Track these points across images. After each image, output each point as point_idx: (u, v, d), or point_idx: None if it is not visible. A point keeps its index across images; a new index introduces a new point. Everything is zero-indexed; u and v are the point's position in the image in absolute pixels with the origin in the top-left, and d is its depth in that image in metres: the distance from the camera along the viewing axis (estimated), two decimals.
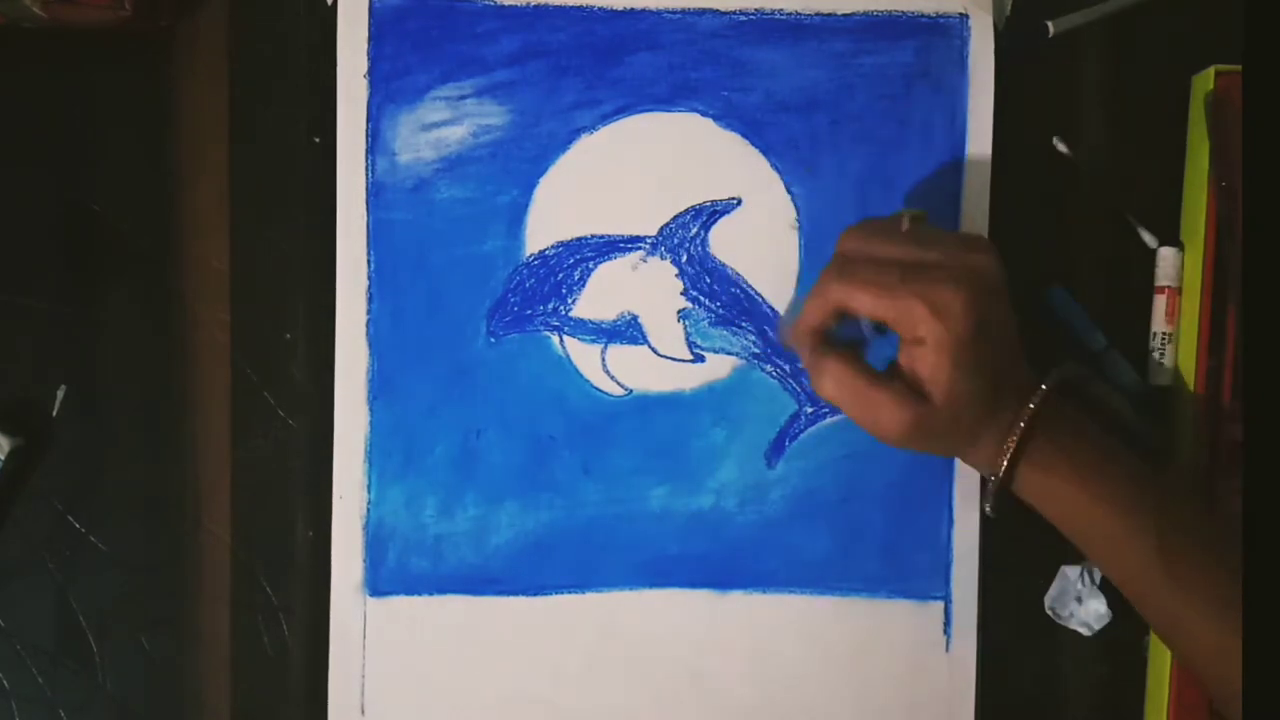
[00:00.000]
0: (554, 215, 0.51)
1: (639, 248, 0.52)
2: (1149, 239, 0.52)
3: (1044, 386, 0.44)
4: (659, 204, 0.51)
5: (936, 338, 0.42)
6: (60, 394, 0.52)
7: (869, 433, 0.44)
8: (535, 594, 0.52)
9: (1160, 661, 0.51)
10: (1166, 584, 0.43)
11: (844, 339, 0.47)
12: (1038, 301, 0.52)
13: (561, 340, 0.52)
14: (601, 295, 0.52)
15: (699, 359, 0.52)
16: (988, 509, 0.47)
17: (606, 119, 0.51)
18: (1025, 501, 0.46)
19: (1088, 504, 0.44)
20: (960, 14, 0.51)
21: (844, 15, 0.51)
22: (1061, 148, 0.52)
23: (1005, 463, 0.44)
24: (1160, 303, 0.52)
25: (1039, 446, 0.44)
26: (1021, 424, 0.43)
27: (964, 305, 0.42)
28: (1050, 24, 0.52)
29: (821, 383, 0.45)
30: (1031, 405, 0.43)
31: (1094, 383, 0.50)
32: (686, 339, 0.52)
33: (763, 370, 0.52)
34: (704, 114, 0.52)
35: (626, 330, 0.52)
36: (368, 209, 0.51)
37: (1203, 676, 0.45)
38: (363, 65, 0.51)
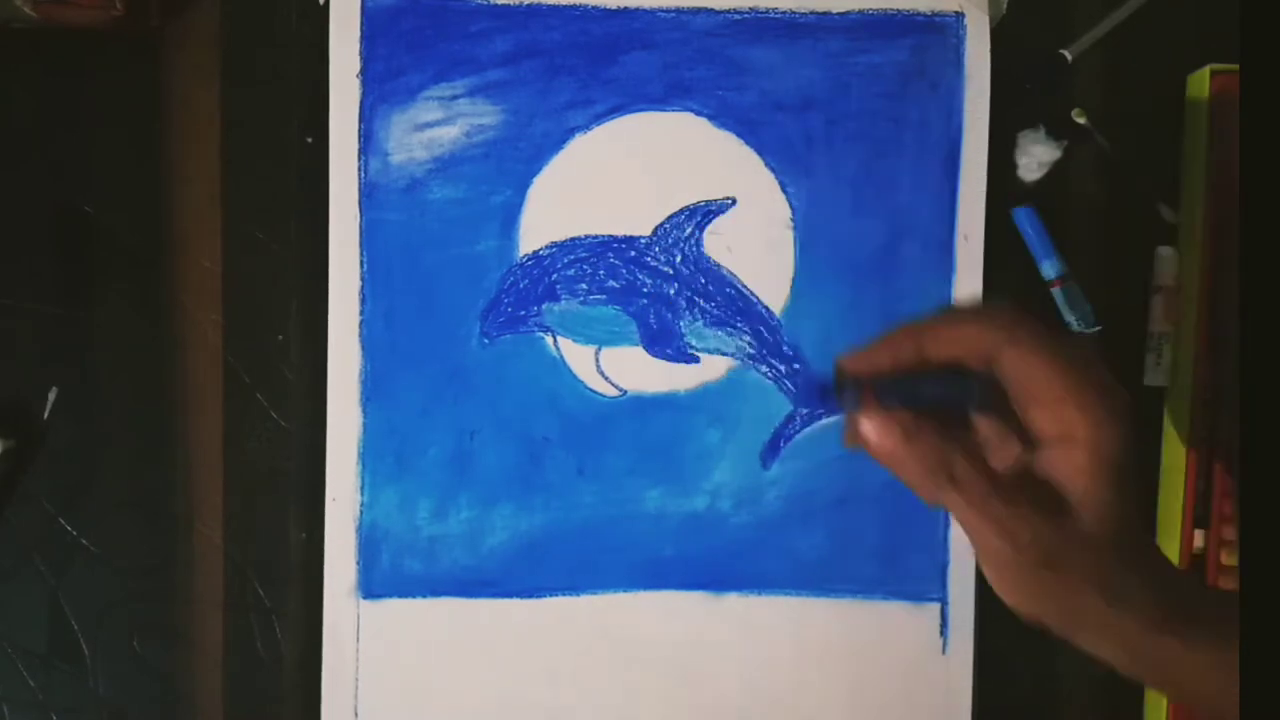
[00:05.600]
0: (548, 215, 0.51)
1: (633, 248, 0.51)
2: (1167, 214, 0.52)
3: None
4: (653, 204, 0.51)
5: (1094, 440, 0.33)
6: (52, 396, 0.51)
7: (986, 568, 0.34)
8: (530, 596, 0.52)
9: None
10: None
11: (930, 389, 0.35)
12: (1005, 222, 0.52)
13: (555, 341, 0.51)
14: (596, 296, 0.51)
15: (694, 360, 0.51)
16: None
17: (600, 119, 0.51)
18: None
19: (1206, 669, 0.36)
20: (956, 12, 0.51)
21: (839, 14, 0.51)
22: (1081, 120, 0.52)
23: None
24: (1157, 302, 0.52)
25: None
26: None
27: (1127, 420, 0.34)
28: (1067, 53, 0.51)
29: (951, 486, 0.33)
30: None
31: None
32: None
33: (758, 371, 0.51)
34: (699, 113, 0.51)
35: (621, 331, 0.52)
36: (360, 209, 0.51)
37: None
38: (355, 65, 0.51)
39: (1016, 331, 0.33)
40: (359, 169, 0.51)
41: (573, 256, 0.51)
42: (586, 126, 0.51)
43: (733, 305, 0.51)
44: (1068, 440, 0.33)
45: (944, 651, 0.52)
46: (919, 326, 0.35)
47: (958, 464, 0.33)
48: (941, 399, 0.34)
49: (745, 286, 0.51)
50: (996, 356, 0.34)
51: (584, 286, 0.51)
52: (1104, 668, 0.36)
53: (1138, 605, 0.34)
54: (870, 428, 0.33)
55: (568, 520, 0.52)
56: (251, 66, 0.52)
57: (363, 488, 0.51)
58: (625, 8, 0.51)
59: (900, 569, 0.51)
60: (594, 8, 0.51)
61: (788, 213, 0.51)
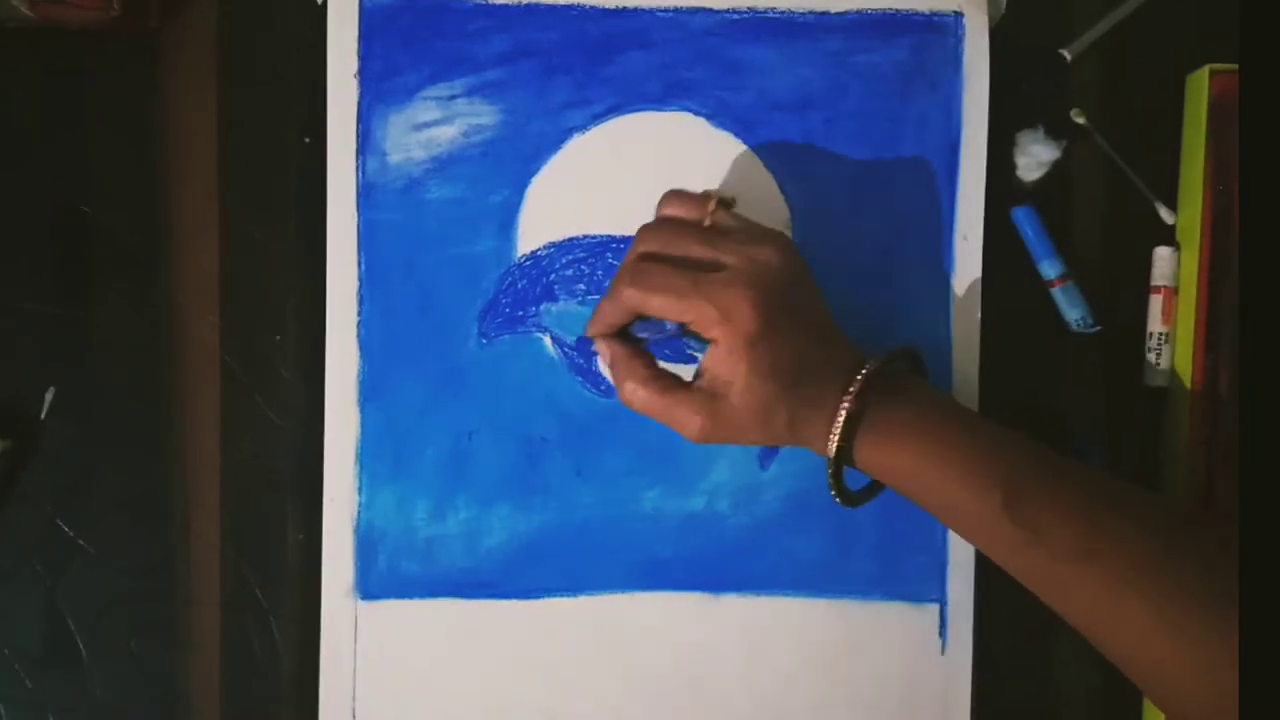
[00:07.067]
0: (546, 215, 0.51)
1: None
2: (1166, 214, 0.52)
3: (866, 368, 0.43)
4: (651, 204, 0.51)
5: (728, 340, 0.43)
6: (49, 396, 0.51)
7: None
8: (527, 597, 0.51)
9: None
10: (1019, 543, 0.42)
11: (649, 332, 0.47)
12: (1005, 222, 0.52)
13: (554, 341, 0.51)
14: (594, 296, 0.51)
15: (692, 360, 0.51)
16: (834, 496, 0.45)
17: (598, 118, 0.51)
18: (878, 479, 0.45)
19: (933, 475, 0.43)
20: (955, 12, 0.51)
21: (838, 13, 0.51)
22: (1080, 120, 0.51)
23: (834, 443, 0.43)
24: (1156, 303, 0.52)
25: (874, 423, 0.43)
26: (845, 405, 0.43)
27: (751, 306, 0.42)
28: (1067, 53, 0.51)
29: (625, 396, 0.45)
30: (852, 389, 0.43)
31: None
32: None
33: None
34: (696, 113, 0.51)
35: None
36: (358, 209, 0.51)
37: (1081, 631, 0.43)
38: (353, 65, 0.51)
39: (636, 293, 0.44)
40: (357, 169, 0.51)
41: (571, 257, 0.51)
42: (584, 126, 0.51)
43: None
44: (713, 342, 0.43)
45: (942, 652, 0.51)
46: (599, 314, 0.46)
47: (634, 374, 0.45)
48: (648, 335, 0.48)
49: None
50: (644, 311, 0.45)
51: (582, 287, 0.51)
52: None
53: (819, 429, 0.44)
54: (599, 352, 0.47)
55: (566, 521, 0.51)
56: (250, 66, 0.52)
57: (360, 488, 0.51)
58: (623, 7, 0.51)
59: (898, 570, 0.51)
60: (591, 7, 0.51)
61: (786, 213, 0.51)
